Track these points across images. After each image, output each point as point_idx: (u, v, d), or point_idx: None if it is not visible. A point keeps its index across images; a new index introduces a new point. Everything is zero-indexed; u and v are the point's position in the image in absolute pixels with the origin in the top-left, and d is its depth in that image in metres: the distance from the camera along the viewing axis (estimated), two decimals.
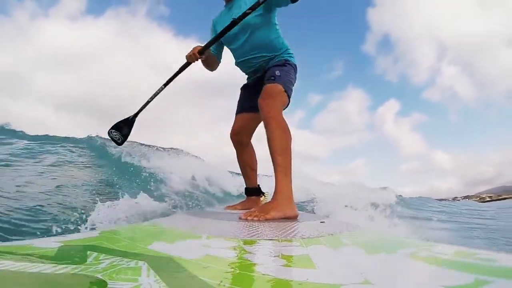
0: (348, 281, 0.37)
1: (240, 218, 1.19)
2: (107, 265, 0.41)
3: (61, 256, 0.47)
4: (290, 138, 1.43)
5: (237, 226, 0.98)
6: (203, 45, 1.68)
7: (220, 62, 1.90)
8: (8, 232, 1.45)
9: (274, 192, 1.34)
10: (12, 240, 1.38)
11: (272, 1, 1.56)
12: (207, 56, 1.75)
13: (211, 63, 1.87)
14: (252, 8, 1.49)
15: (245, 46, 1.68)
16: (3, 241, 1.36)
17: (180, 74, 1.75)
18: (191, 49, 1.70)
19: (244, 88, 1.94)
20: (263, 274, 0.41)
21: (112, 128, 1.82)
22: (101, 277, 0.35)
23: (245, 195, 2.00)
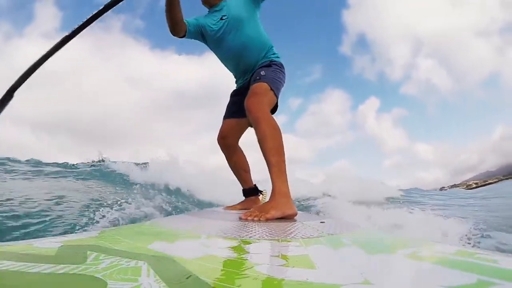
0: (348, 281, 0.37)
1: (240, 218, 1.19)
2: (107, 265, 0.41)
3: (61, 256, 0.47)
4: (281, 137, 1.41)
5: (237, 226, 0.98)
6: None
7: (185, 34, 1.64)
8: (8, 232, 1.45)
9: (272, 192, 1.34)
10: (12, 240, 1.38)
11: None
12: (175, 7, 1.48)
13: (176, 18, 1.54)
14: None
15: (236, 42, 1.66)
16: (3, 241, 1.36)
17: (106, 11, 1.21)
18: None
19: (233, 93, 1.93)
20: (263, 274, 0.41)
21: None
22: (101, 277, 0.35)
23: (244, 196, 2.00)
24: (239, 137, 1.93)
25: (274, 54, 1.73)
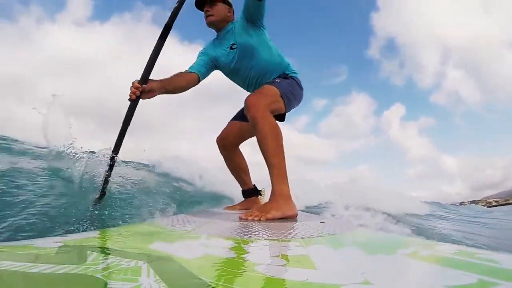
0: (348, 281, 0.37)
1: (240, 218, 1.19)
2: (107, 265, 0.41)
3: (61, 256, 0.47)
4: (281, 137, 1.36)
5: (237, 226, 0.98)
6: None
7: (199, 80, 1.62)
8: (8, 232, 1.45)
9: (272, 193, 1.32)
10: (12, 240, 1.38)
11: (247, 11, 1.50)
12: (164, 84, 1.46)
13: (180, 86, 1.55)
14: None
15: (251, 70, 1.63)
16: (3, 241, 1.36)
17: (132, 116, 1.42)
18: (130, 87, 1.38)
19: None
20: (263, 274, 0.41)
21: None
22: (101, 277, 0.35)
23: (243, 197, 2.00)
24: (240, 142, 1.88)
25: (291, 71, 1.68)
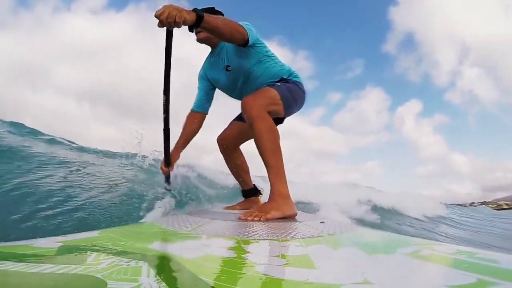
0: (348, 281, 0.37)
1: (239, 218, 1.19)
2: (107, 265, 0.41)
3: (61, 256, 0.47)
4: (278, 136, 1.35)
5: (237, 226, 0.98)
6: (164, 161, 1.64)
7: (209, 107, 1.77)
8: (8, 232, 1.45)
9: (271, 193, 1.31)
10: (12, 240, 1.38)
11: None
12: (183, 147, 1.72)
13: (195, 134, 1.75)
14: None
15: (249, 88, 1.60)
16: (3, 241, 1.36)
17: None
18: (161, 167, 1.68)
19: None
20: (263, 274, 0.41)
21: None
22: (101, 277, 0.35)
23: (243, 197, 1.99)
24: (240, 143, 1.87)
25: (292, 76, 1.63)
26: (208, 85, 1.73)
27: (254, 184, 2.00)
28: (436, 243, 0.66)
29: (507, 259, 0.47)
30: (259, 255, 0.57)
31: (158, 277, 0.36)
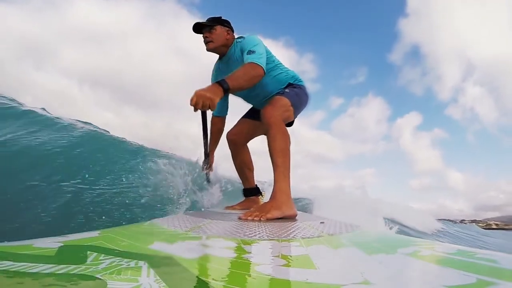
0: (348, 281, 0.37)
1: (239, 218, 1.19)
2: (107, 265, 0.41)
3: (61, 256, 0.47)
4: (289, 142, 1.47)
5: (237, 226, 0.98)
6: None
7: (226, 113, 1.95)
8: (8, 232, 1.45)
9: (273, 191, 1.36)
10: (12, 240, 1.38)
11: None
12: (215, 148, 1.94)
13: (220, 135, 1.95)
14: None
15: (254, 94, 1.72)
16: (3, 241, 1.36)
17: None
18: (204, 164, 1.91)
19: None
20: (263, 274, 0.41)
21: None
22: (101, 277, 0.35)
23: (244, 196, 2.00)
24: (249, 139, 1.95)
25: (297, 80, 1.75)
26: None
27: (256, 185, 2.01)
28: (436, 243, 0.66)
29: (507, 259, 0.47)
30: (259, 255, 0.57)
31: (158, 277, 0.36)
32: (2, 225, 1.53)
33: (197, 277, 0.38)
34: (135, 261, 0.44)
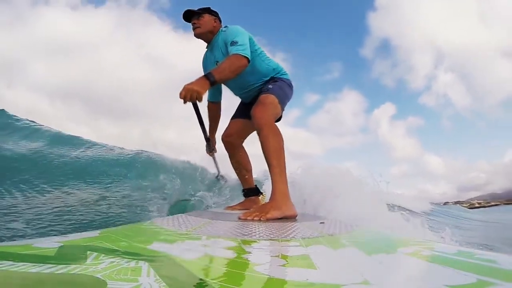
0: (348, 281, 0.37)
1: (239, 218, 1.19)
2: (107, 265, 0.41)
3: (61, 256, 0.47)
4: (283, 141, 1.48)
5: (236, 226, 0.98)
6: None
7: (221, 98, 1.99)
8: (8, 232, 1.45)
9: (272, 192, 1.37)
10: (12, 240, 1.38)
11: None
12: (215, 131, 2.02)
13: (219, 119, 2.01)
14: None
15: (238, 83, 1.74)
16: (3, 241, 1.36)
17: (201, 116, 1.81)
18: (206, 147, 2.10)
19: (242, 102, 2.01)
20: (263, 274, 0.41)
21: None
22: (101, 277, 0.35)
23: (244, 197, 2.00)
24: (244, 138, 1.96)
25: (280, 74, 1.78)
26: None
27: (255, 185, 2.01)
28: (436, 243, 0.66)
29: (507, 260, 0.47)
30: (259, 255, 0.57)
31: (158, 277, 0.36)
32: (2, 225, 1.54)
33: (197, 277, 0.38)
34: (135, 261, 0.44)
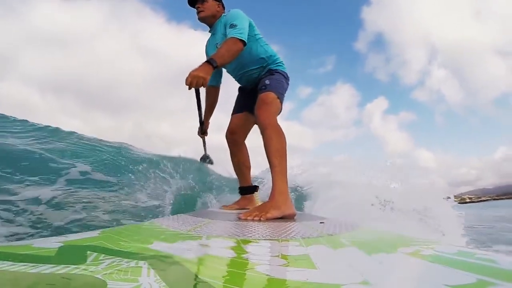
0: (348, 281, 0.37)
1: (239, 218, 1.19)
2: (107, 265, 0.41)
3: (61, 256, 0.47)
4: (285, 142, 1.49)
5: (236, 226, 0.98)
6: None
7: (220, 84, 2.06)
8: (8, 232, 1.45)
9: (272, 192, 1.38)
10: (12, 240, 1.38)
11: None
12: (210, 114, 2.12)
13: (216, 103, 2.09)
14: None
15: (235, 64, 1.76)
16: (3, 241, 1.36)
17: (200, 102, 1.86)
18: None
19: (240, 90, 2.00)
20: (263, 274, 0.41)
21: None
22: (101, 277, 0.35)
23: (240, 194, 2.01)
24: (247, 134, 1.98)
25: (276, 64, 1.79)
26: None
27: (254, 185, 2.02)
28: (436, 243, 0.66)
29: (507, 260, 0.47)
30: (259, 255, 0.57)
31: (158, 277, 0.36)
32: (2, 225, 1.54)
33: (197, 277, 0.38)
34: (135, 261, 0.44)
